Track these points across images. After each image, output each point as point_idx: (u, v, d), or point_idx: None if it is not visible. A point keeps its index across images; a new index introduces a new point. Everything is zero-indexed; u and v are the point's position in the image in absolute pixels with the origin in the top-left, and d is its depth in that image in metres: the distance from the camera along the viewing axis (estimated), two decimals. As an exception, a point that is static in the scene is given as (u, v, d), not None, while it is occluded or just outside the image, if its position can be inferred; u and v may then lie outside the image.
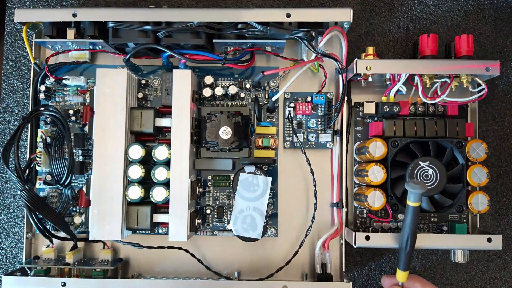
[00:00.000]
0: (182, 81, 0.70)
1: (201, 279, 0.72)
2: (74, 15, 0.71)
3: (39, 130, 0.75)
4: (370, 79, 0.72)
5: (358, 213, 0.76)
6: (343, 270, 0.75)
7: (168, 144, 0.70)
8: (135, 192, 0.69)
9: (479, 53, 0.80)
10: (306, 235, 0.73)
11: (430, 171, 0.68)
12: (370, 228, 0.76)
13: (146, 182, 0.72)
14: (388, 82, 0.74)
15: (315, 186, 0.73)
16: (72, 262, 0.73)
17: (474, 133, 0.74)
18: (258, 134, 0.76)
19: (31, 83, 0.77)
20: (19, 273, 0.73)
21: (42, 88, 0.76)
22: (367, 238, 0.69)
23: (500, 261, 0.79)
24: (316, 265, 0.74)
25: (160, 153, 0.70)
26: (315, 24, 0.73)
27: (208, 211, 0.76)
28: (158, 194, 0.70)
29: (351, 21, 0.71)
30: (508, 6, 0.81)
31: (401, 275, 0.67)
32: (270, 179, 0.72)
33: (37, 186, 0.76)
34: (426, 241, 0.68)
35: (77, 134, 0.77)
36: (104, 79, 0.70)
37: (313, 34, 0.71)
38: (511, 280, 0.79)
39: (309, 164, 0.74)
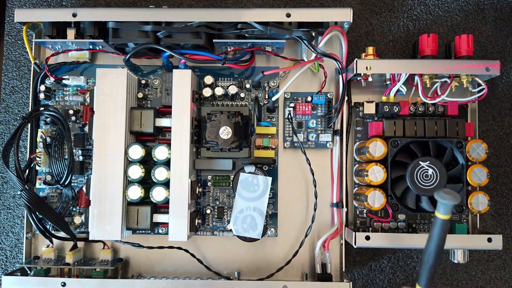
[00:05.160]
0: (182, 81, 0.70)
1: (201, 279, 0.72)
2: (74, 15, 0.71)
3: (39, 130, 0.75)
4: (370, 79, 0.72)
5: (358, 213, 0.76)
6: (343, 270, 0.75)
7: (168, 144, 0.70)
8: (135, 192, 0.69)
9: (479, 53, 0.80)
10: (306, 235, 0.73)
11: (430, 171, 0.68)
12: (370, 228, 0.76)
13: (146, 182, 0.72)
14: (388, 82, 0.74)
15: (315, 186, 0.73)
16: (72, 262, 0.73)
17: (474, 133, 0.74)
18: (258, 134, 0.76)
19: (31, 83, 0.77)
20: (19, 273, 0.73)
21: (42, 88, 0.76)
22: (367, 238, 0.69)
23: (500, 261, 0.79)
24: (316, 265, 0.74)
25: (160, 153, 0.70)
26: (315, 24, 0.73)
27: (208, 211, 0.76)
28: (158, 194, 0.70)
29: (351, 21, 0.71)
30: (508, 6, 0.81)
31: None
32: (270, 179, 0.72)
33: (37, 186, 0.76)
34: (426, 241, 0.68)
35: (77, 134, 0.77)
36: (104, 79, 0.70)
37: (313, 34, 0.71)
38: (511, 280, 0.79)
39: (309, 164, 0.74)
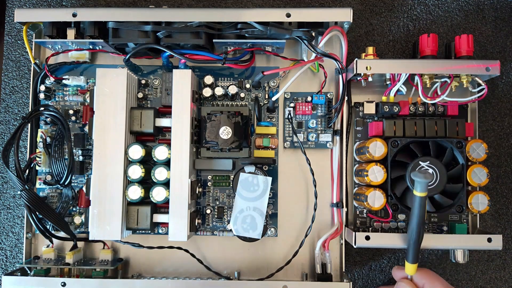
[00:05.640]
0: (182, 81, 0.70)
1: (201, 279, 0.72)
2: (74, 15, 0.71)
3: (39, 130, 0.75)
4: (370, 79, 0.72)
5: (358, 213, 0.76)
6: (343, 270, 0.75)
7: (168, 144, 0.70)
8: (135, 192, 0.69)
9: (479, 53, 0.80)
10: (306, 235, 0.73)
11: (430, 171, 0.68)
12: (370, 228, 0.76)
13: (146, 182, 0.72)
14: (388, 82, 0.74)
15: (315, 186, 0.73)
16: (72, 262, 0.73)
17: (474, 133, 0.74)
18: (258, 134, 0.76)
19: (31, 83, 0.77)
20: (19, 273, 0.73)
21: (42, 88, 0.76)
22: (367, 238, 0.69)
23: (500, 261, 0.79)
24: (316, 265, 0.74)
25: (160, 153, 0.70)
26: (315, 24, 0.73)
27: (208, 211, 0.76)
28: (158, 194, 0.70)
29: (351, 21, 0.71)
30: (508, 6, 0.81)
31: (409, 268, 0.66)
32: (270, 179, 0.72)
33: (37, 186, 0.76)
34: (426, 241, 0.68)
35: (77, 134, 0.77)
36: (104, 79, 0.70)
37: (313, 34, 0.71)
38: (511, 280, 0.79)
39: (309, 164, 0.74)
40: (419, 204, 0.62)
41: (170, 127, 0.71)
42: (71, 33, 0.74)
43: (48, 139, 0.75)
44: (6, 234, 0.80)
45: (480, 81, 0.71)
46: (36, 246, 0.77)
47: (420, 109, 0.73)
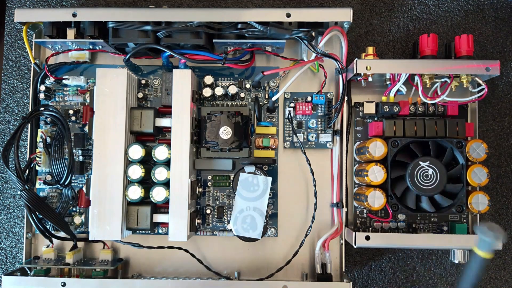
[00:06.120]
0: (182, 81, 0.70)
1: (201, 279, 0.72)
2: (74, 15, 0.71)
3: (39, 130, 0.75)
4: (370, 79, 0.72)
5: (358, 213, 0.76)
6: (343, 270, 0.75)
7: (168, 144, 0.70)
8: (135, 192, 0.69)
9: (479, 53, 0.80)
10: (306, 235, 0.73)
11: (430, 171, 0.68)
12: (370, 228, 0.76)
13: (146, 182, 0.72)
14: (388, 82, 0.74)
15: (315, 186, 0.73)
16: (72, 262, 0.73)
17: (474, 133, 0.74)
18: (258, 134, 0.76)
19: (31, 83, 0.77)
20: (19, 273, 0.73)
21: (42, 88, 0.76)
22: (367, 238, 0.69)
23: (500, 261, 0.79)
24: (316, 265, 0.74)
25: (160, 153, 0.70)
26: (315, 24, 0.73)
27: (208, 211, 0.76)
28: (158, 194, 0.70)
29: (351, 21, 0.71)
30: (508, 6, 0.81)
31: None
32: (270, 179, 0.72)
33: (37, 186, 0.76)
34: (426, 241, 0.68)
35: (77, 134, 0.77)
36: (104, 79, 0.70)
37: (313, 34, 0.71)
38: (511, 280, 0.79)
39: (309, 164, 0.74)
40: (480, 266, 0.56)
41: (170, 127, 0.71)
42: (71, 33, 0.74)
43: (48, 139, 0.75)
44: (6, 234, 0.80)
45: (480, 81, 0.71)
46: (36, 246, 0.77)
47: (420, 109, 0.73)
